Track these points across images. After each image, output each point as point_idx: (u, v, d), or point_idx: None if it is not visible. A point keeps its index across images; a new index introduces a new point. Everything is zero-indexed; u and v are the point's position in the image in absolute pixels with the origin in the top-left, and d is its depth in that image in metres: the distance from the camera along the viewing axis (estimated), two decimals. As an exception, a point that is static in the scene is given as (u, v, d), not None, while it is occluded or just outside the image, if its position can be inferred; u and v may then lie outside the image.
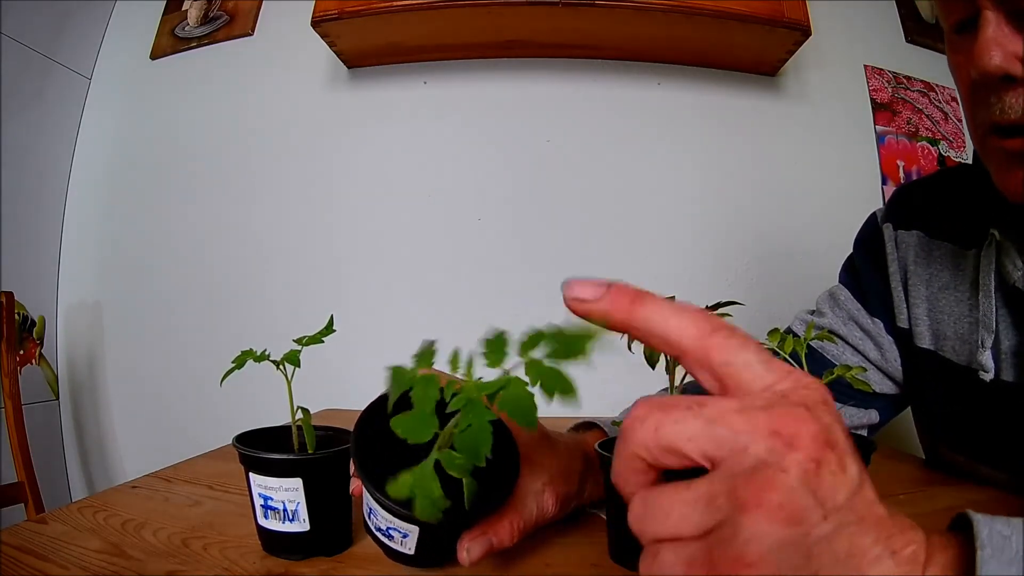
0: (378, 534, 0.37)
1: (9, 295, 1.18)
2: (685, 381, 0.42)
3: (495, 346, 0.27)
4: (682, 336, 0.26)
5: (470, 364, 0.28)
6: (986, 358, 0.56)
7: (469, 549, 0.36)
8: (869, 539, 0.24)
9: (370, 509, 0.37)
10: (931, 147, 1.39)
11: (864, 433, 0.69)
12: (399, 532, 0.36)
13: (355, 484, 0.41)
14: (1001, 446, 0.58)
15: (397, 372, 0.29)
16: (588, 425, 0.56)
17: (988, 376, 0.56)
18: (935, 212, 0.66)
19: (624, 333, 0.27)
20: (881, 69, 1.40)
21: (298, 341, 0.44)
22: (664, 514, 0.24)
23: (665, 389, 0.62)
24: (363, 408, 0.39)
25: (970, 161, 0.63)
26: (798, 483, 0.22)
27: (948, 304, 0.62)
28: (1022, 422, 0.54)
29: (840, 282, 0.74)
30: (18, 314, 1.30)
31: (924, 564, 0.25)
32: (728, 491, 0.23)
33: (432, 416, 0.27)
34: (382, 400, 0.40)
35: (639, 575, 0.25)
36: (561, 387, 0.25)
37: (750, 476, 0.23)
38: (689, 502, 0.24)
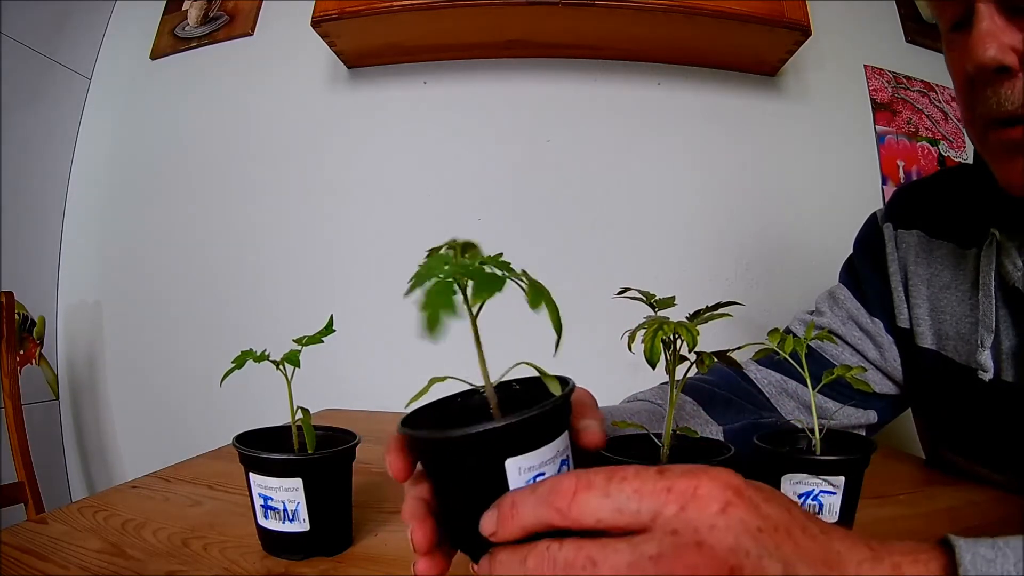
0: None
1: (9, 295, 1.17)
2: (686, 378, 0.42)
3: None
4: (552, 521, 0.26)
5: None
6: (985, 358, 0.56)
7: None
8: None
9: (531, 481, 0.30)
10: (931, 147, 1.39)
11: (862, 433, 0.69)
12: (547, 475, 0.31)
13: (421, 535, 0.32)
14: (1001, 447, 0.58)
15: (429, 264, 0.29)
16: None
17: (987, 376, 0.56)
18: (935, 212, 0.66)
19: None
20: (881, 69, 1.40)
21: (298, 341, 0.44)
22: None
23: (665, 383, 0.62)
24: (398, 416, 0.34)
25: (970, 161, 0.63)
26: None
27: (950, 304, 0.62)
28: (1021, 422, 0.54)
29: (840, 282, 0.74)
30: (18, 314, 1.30)
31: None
32: None
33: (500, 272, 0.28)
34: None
35: None
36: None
37: None
38: None
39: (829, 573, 0.24)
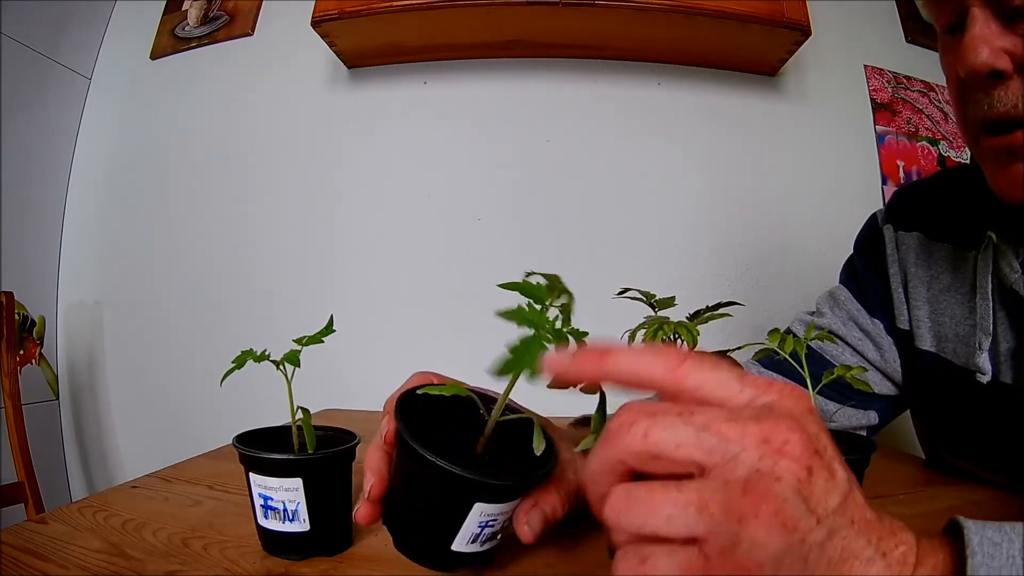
0: (477, 546, 0.36)
1: (9, 295, 1.17)
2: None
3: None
4: (652, 373, 0.27)
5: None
6: (983, 360, 0.56)
7: (529, 522, 0.35)
8: (861, 542, 0.24)
9: (483, 523, 0.34)
10: (931, 147, 1.39)
11: (863, 434, 0.69)
12: (498, 521, 0.35)
13: (366, 511, 0.37)
14: (1000, 448, 0.58)
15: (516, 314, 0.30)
16: (588, 420, 0.56)
17: (985, 378, 0.56)
18: (935, 213, 0.65)
19: (603, 384, 0.29)
20: (881, 69, 1.40)
21: (298, 341, 0.44)
22: (650, 511, 0.24)
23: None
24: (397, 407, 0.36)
25: (969, 162, 0.63)
26: (791, 492, 0.23)
27: (949, 306, 0.61)
28: (1020, 424, 0.54)
29: (840, 283, 0.74)
30: (18, 314, 1.30)
31: (914, 565, 0.25)
32: (722, 500, 0.23)
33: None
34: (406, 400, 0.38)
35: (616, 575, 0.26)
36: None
37: (744, 486, 0.23)
38: (680, 503, 0.24)
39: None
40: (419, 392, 0.36)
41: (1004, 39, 0.44)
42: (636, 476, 0.26)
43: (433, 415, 0.36)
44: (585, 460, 0.28)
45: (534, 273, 0.31)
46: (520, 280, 0.31)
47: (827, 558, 0.24)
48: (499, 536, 0.36)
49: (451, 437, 0.35)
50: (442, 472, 0.32)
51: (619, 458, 0.25)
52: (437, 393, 0.35)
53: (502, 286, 0.30)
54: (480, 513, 0.33)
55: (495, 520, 0.34)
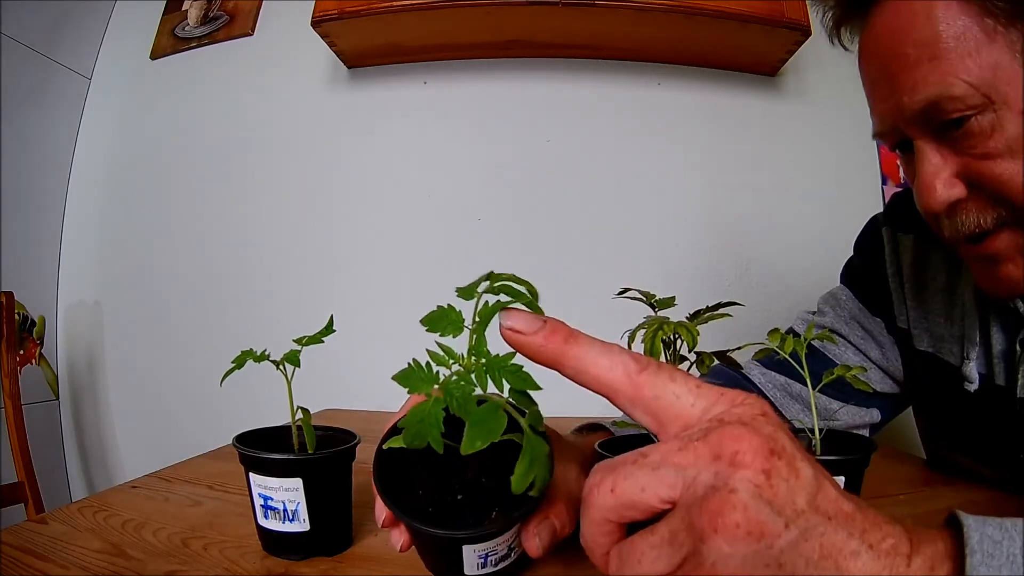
0: (490, 568, 0.36)
1: (9, 295, 1.17)
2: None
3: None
4: (612, 376, 0.27)
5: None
6: (970, 369, 0.57)
7: (539, 534, 0.35)
8: (842, 535, 0.24)
9: (482, 555, 0.35)
10: (931, 147, 1.39)
11: (866, 432, 0.69)
12: (498, 551, 0.35)
13: (403, 540, 0.37)
14: (997, 447, 0.58)
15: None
16: (592, 427, 0.56)
17: (972, 387, 0.57)
18: None
19: (554, 369, 0.28)
20: (881, 69, 1.40)
21: (298, 341, 0.44)
22: (636, 561, 0.25)
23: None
24: (374, 461, 0.36)
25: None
26: (751, 499, 0.23)
27: (944, 307, 0.62)
28: (1016, 424, 0.55)
29: (841, 283, 0.74)
30: (18, 314, 1.30)
31: (908, 555, 0.24)
32: (687, 525, 0.24)
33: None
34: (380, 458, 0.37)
35: None
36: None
37: (702, 505, 0.24)
38: (656, 544, 0.25)
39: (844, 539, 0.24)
40: (385, 448, 0.35)
41: (952, 163, 0.45)
42: (636, 526, 0.26)
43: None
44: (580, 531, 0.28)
45: (498, 277, 0.31)
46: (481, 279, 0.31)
47: (804, 559, 0.23)
48: (513, 555, 0.36)
49: (440, 464, 0.34)
50: (422, 532, 0.32)
51: (600, 518, 0.26)
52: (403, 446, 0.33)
53: (423, 321, 0.32)
54: (473, 551, 0.34)
55: (494, 551, 0.35)
